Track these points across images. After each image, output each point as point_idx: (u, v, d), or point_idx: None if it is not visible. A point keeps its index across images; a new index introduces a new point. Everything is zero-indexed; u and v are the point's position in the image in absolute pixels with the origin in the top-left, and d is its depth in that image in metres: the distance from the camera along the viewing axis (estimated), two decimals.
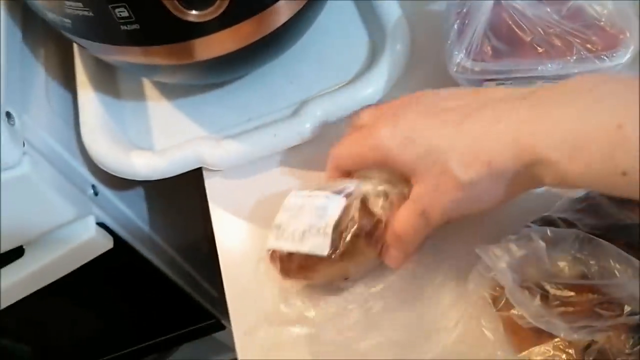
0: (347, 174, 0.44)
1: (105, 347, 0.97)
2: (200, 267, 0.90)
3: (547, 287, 0.34)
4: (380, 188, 0.41)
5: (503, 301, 0.37)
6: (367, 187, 0.41)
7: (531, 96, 0.34)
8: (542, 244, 0.35)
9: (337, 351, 0.41)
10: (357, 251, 0.40)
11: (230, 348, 1.12)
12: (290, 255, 0.41)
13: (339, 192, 0.41)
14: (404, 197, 0.40)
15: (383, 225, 0.40)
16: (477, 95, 0.37)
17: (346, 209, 0.40)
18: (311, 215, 0.41)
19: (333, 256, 0.40)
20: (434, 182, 0.36)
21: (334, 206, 0.41)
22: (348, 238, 0.40)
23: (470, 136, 0.35)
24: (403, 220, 0.39)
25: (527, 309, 0.34)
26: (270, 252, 0.42)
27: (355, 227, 0.40)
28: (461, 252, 0.43)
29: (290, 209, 0.43)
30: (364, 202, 0.41)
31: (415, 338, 0.40)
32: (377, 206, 0.40)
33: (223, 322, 0.99)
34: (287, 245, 0.41)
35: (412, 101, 0.40)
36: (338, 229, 0.40)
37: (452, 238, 0.44)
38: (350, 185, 0.42)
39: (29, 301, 0.62)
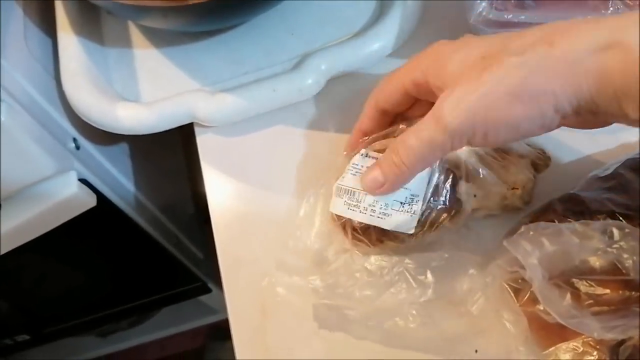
0: (386, 118, 0.39)
1: (85, 307, 0.95)
2: (185, 228, 0.88)
3: (578, 284, 0.32)
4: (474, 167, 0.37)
5: (527, 296, 0.34)
6: (455, 160, 0.37)
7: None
8: (575, 239, 0.32)
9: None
10: (438, 228, 0.38)
11: (214, 310, 1.10)
12: (367, 227, 0.37)
13: None
14: None
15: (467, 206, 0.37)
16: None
17: (433, 186, 0.37)
18: None
19: (417, 234, 0.37)
20: (470, 78, 0.30)
21: (420, 180, 0.36)
22: (432, 215, 0.37)
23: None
24: (414, 128, 0.33)
25: (557, 308, 0.31)
26: (338, 218, 0.38)
27: (440, 205, 0.37)
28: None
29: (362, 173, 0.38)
30: (454, 181, 0.37)
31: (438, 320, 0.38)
32: (463, 188, 0.37)
33: (209, 285, 0.97)
34: (364, 219, 0.37)
35: None
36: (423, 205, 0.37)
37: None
38: None
39: (6, 257, 0.59)
